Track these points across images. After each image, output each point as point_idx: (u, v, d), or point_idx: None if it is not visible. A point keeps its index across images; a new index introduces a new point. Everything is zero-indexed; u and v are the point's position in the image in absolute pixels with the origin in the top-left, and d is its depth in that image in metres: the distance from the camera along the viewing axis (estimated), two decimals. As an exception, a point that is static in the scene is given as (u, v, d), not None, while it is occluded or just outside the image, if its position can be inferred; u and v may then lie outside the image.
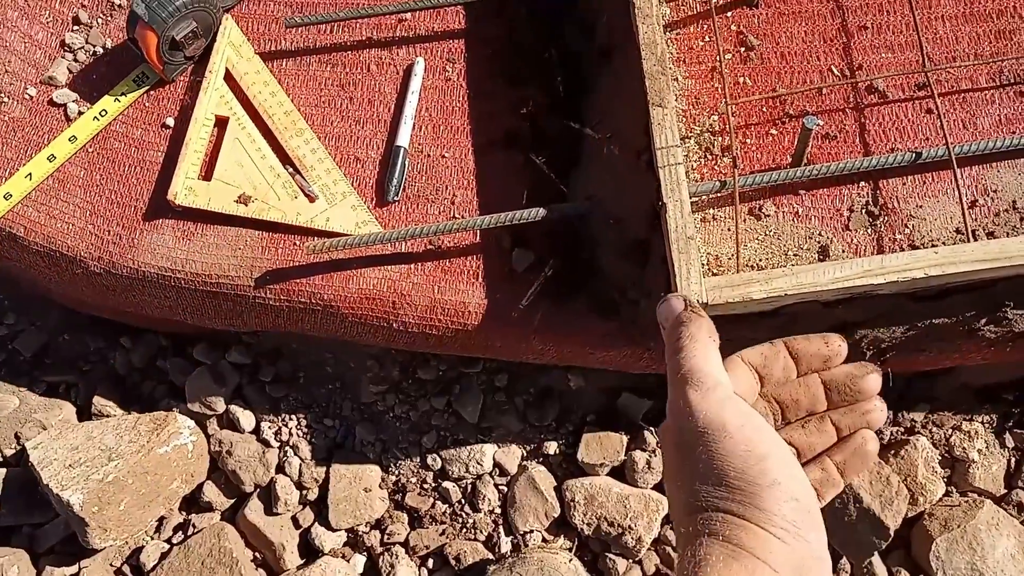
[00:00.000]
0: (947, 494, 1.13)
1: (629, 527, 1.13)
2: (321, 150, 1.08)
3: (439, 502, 1.21)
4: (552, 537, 1.18)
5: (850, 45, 0.98)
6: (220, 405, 1.22)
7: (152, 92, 1.13)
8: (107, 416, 1.26)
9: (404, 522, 1.21)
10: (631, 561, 1.16)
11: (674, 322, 0.61)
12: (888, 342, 0.93)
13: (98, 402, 1.27)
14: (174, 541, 1.23)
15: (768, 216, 0.92)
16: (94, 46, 1.17)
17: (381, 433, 1.23)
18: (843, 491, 1.07)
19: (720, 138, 0.96)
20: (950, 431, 1.14)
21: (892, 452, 1.12)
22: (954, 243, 0.89)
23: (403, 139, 1.07)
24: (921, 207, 0.91)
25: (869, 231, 0.92)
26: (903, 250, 0.90)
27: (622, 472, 1.18)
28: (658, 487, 1.17)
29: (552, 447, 1.20)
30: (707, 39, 1.00)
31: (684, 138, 0.95)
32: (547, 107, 1.08)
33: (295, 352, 1.25)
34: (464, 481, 1.21)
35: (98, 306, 1.20)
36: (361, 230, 1.04)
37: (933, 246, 0.89)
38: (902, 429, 1.15)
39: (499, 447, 1.21)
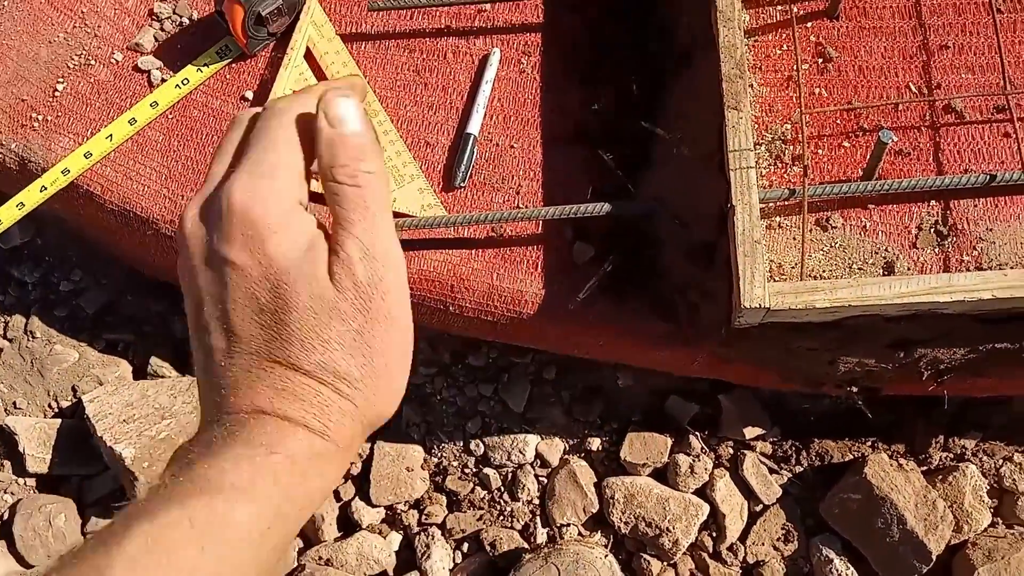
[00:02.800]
0: (993, 524, 1.12)
1: (667, 529, 1.14)
2: (393, 132, 1.10)
3: (479, 488, 1.22)
4: (588, 532, 1.19)
5: (930, 63, 0.98)
6: (273, 375, 1.25)
7: (233, 65, 1.16)
8: (163, 377, 1.29)
9: (443, 504, 1.22)
10: (665, 564, 1.16)
11: None
12: (947, 363, 0.92)
13: (154, 363, 1.30)
14: (217, 504, 1.26)
15: (835, 228, 0.92)
16: (180, 16, 1.20)
17: (427, 415, 1.24)
18: (888, 510, 1.07)
19: (791, 147, 0.96)
20: (1001, 461, 1.13)
21: (940, 477, 1.11)
22: (1024, 269, 0.88)
23: (474, 127, 1.09)
24: (991, 230, 0.91)
25: (936, 250, 0.91)
26: (970, 272, 0.89)
27: (664, 475, 1.18)
28: (699, 492, 1.17)
29: (595, 443, 1.21)
30: (785, 48, 1.00)
31: (756, 144, 0.95)
32: (619, 105, 1.09)
33: (349, 329, 1.27)
34: (505, 469, 1.22)
35: (164, 269, 1.23)
36: (426, 212, 1.06)
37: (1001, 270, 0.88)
38: (951, 455, 1.14)
39: (542, 439, 1.22)
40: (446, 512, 1.22)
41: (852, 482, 1.10)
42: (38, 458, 1.27)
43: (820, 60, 1.00)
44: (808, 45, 1.01)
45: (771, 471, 1.17)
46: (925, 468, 1.13)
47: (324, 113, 0.49)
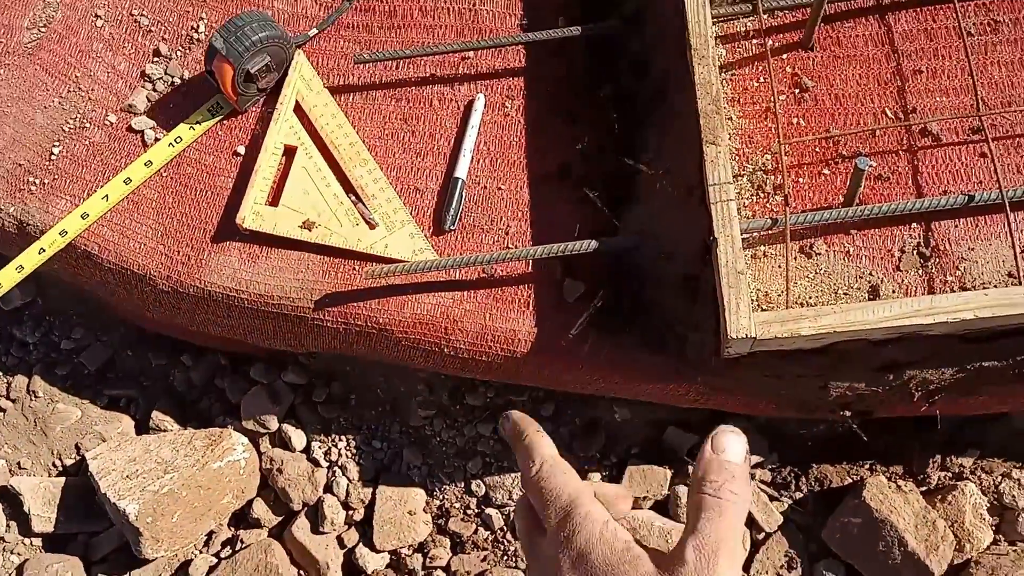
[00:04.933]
0: (995, 542, 1.11)
1: (671, 562, 1.13)
2: (383, 180, 1.12)
3: (482, 528, 1.22)
4: (593, 568, 1.18)
5: (904, 88, 1.00)
6: (273, 424, 1.26)
7: (225, 121, 1.19)
8: (164, 431, 1.30)
9: (447, 547, 1.22)
10: (672, 597, 1.16)
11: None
12: (937, 383, 0.93)
13: (156, 417, 1.31)
14: (222, 556, 1.26)
15: (819, 255, 0.94)
16: (172, 77, 1.23)
17: (428, 457, 1.25)
18: (888, 533, 1.07)
19: (772, 177, 0.97)
20: (1000, 478, 1.13)
21: (939, 497, 1.11)
22: (1006, 287, 0.89)
23: (461, 171, 1.11)
24: (973, 250, 0.92)
25: (920, 272, 0.92)
26: (954, 292, 0.90)
27: (665, 506, 1.18)
28: (701, 523, 1.17)
29: (596, 478, 1.21)
30: (762, 80, 1.02)
31: (737, 176, 0.97)
32: (601, 143, 1.11)
33: (348, 374, 1.28)
34: (507, 508, 1.22)
35: (163, 324, 1.25)
36: (418, 257, 1.08)
37: (984, 288, 0.89)
38: (950, 474, 1.14)
39: (543, 476, 1.22)
40: (450, 554, 1.22)
41: (852, 506, 1.10)
42: (43, 517, 1.28)
43: (797, 90, 1.02)
44: (784, 76, 1.03)
45: (771, 498, 1.17)
46: (924, 488, 1.13)
47: (711, 440, 0.55)
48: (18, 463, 1.33)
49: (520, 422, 0.65)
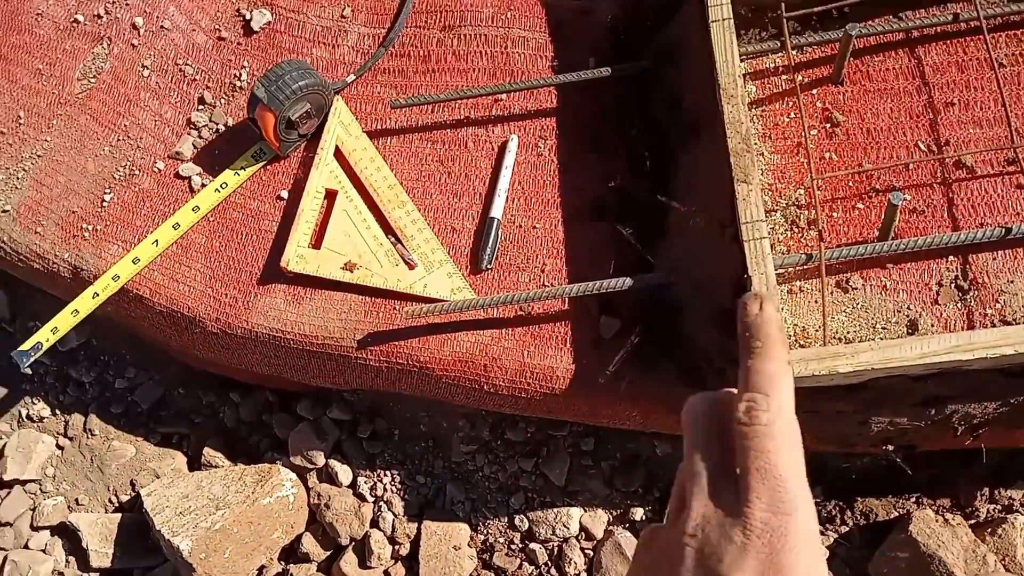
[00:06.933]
0: (1049, 576, 1.10)
1: (715, 596, 1.13)
2: (421, 221, 1.14)
3: (526, 563, 1.23)
4: (637, 603, 1.19)
5: (937, 121, 1.00)
6: (320, 459, 1.28)
7: (268, 167, 1.23)
8: (215, 467, 1.33)
9: (492, 582, 1.24)
10: (717, 631, 1.15)
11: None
12: (980, 418, 0.92)
13: (208, 453, 1.35)
14: (273, 590, 1.29)
15: (855, 289, 0.94)
16: (217, 124, 1.27)
17: (471, 492, 1.26)
18: (937, 567, 1.06)
19: (806, 211, 0.98)
20: (1051, 510, 1.11)
21: (989, 531, 1.10)
22: (1047, 319, 0.88)
23: (497, 211, 1.13)
24: (1012, 282, 0.91)
25: (959, 306, 0.92)
26: (994, 325, 0.89)
27: (708, 540, 1.18)
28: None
29: (639, 513, 1.22)
30: (793, 115, 1.03)
31: (770, 211, 0.98)
32: (634, 180, 1.12)
33: (391, 410, 1.30)
34: (551, 544, 1.23)
35: (212, 363, 1.28)
36: (456, 296, 1.10)
37: (1025, 322, 0.89)
38: (999, 507, 1.12)
39: (585, 511, 1.23)
40: (495, 588, 1.23)
41: (899, 540, 1.09)
42: (101, 553, 1.32)
43: (828, 125, 1.02)
44: (815, 111, 1.03)
45: (816, 532, 1.16)
46: (973, 522, 1.11)
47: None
48: (76, 500, 1.38)
49: (770, 325, 0.48)
